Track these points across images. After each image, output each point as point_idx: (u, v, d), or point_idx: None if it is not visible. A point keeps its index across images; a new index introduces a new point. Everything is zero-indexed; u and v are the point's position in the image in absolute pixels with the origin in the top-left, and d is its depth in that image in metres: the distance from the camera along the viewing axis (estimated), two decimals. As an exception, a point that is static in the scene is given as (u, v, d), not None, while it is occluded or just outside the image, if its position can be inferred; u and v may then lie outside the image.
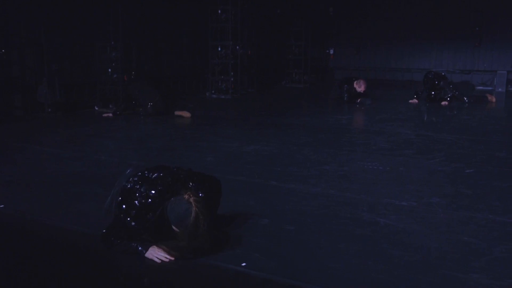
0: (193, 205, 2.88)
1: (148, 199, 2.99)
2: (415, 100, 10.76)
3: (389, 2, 15.22)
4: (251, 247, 3.06)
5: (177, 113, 8.58)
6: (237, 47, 12.19)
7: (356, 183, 4.54)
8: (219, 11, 11.87)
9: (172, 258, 2.88)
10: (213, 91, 12.26)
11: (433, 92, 10.69)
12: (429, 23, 14.76)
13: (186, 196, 2.93)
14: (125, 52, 9.94)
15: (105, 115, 8.51)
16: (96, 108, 9.27)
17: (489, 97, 10.97)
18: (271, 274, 2.74)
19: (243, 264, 2.84)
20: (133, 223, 2.98)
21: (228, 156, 5.59)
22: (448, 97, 10.50)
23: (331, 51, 16.74)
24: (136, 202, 3.00)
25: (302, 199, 4.05)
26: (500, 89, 13.87)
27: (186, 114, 8.54)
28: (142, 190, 3.03)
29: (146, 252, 2.91)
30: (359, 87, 10.34)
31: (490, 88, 14.26)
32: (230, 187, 4.31)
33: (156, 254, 2.89)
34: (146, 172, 3.17)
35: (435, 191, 4.27)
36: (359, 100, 10.29)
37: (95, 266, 2.93)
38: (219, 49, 12.13)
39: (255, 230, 3.35)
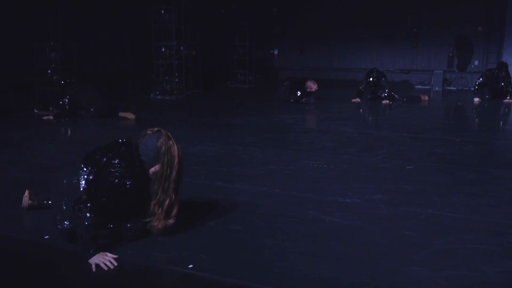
0: (161, 129, 3.05)
1: (120, 177, 2.96)
2: (357, 99, 11.02)
3: (331, 3, 15.52)
4: (197, 249, 3.04)
5: (121, 114, 8.42)
6: (181, 48, 12.10)
7: (302, 182, 4.60)
8: (162, 11, 11.74)
9: (116, 264, 2.82)
10: (157, 92, 12.13)
11: (375, 89, 10.98)
12: (370, 24, 15.18)
13: (149, 132, 3.04)
14: (65, 52, 9.67)
15: (45, 117, 8.24)
16: (36, 111, 8.97)
17: (422, 97, 11.41)
18: (218, 275, 2.73)
19: (190, 266, 2.82)
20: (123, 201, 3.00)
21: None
22: (385, 95, 10.85)
23: (275, 52, 16.92)
24: (111, 181, 2.95)
25: (248, 199, 4.06)
26: (437, 88, 14.41)
27: (130, 115, 8.40)
28: (111, 172, 2.96)
29: (93, 256, 2.82)
30: (311, 89, 10.49)
31: (428, 87, 14.81)
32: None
33: (100, 259, 2.81)
34: (85, 167, 3.05)
35: (377, 187, 4.38)
36: (303, 99, 10.43)
37: (36, 274, 2.83)
38: (163, 49, 12.00)
39: (201, 232, 3.33)
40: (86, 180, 2.98)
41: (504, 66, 11.40)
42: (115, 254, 2.89)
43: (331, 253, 3.01)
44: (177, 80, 11.98)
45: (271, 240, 3.21)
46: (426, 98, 11.44)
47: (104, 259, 2.81)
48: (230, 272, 2.76)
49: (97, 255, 2.83)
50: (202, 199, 4.02)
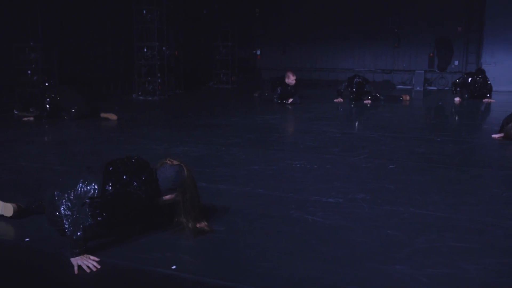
0: (181, 163, 3.22)
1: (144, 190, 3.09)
2: (340, 99, 11.08)
3: (313, 3, 15.58)
4: (180, 250, 3.03)
5: (102, 115, 8.36)
6: (164, 48, 12.05)
7: (284, 182, 4.60)
8: (144, 11, 11.68)
9: (99, 267, 2.81)
10: (139, 93, 12.06)
11: (357, 95, 11.05)
12: (352, 24, 15.29)
13: (169, 162, 3.21)
14: (46, 53, 9.57)
15: (25, 119, 8.15)
16: (16, 112, 8.86)
17: (404, 97, 11.54)
18: (201, 276, 2.72)
19: (173, 267, 2.81)
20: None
21: (156, 159, 5.49)
22: (370, 96, 10.95)
23: (258, 52, 16.94)
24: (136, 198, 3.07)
25: (231, 199, 4.06)
26: (418, 88, 14.56)
27: (112, 116, 8.34)
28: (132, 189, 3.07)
29: (75, 257, 2.82)
30: (288, 78, 10.50)
31: (409, 87, 14.95)
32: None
33: (83, 261, 2.80)
34: (107, 179, 3.06)
35: (360, 187, 4.40)
36: (290, 100, 10.44)
37: (17, 276, 2.80)
38: (145, 50, 11.94)
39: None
40: (103, 190, 3.02)
41: (482, 72, 11.64)
42: (98, 255, 2.87)
43: (314, 252, 3.03)
44: (159, 80, 11.92)
45: (254, 240, 3.22)
46: (408, 98, 11.56)
47: (88, 262, 2.81)
48: (213, 272, 2.76)
49: (80, 256, 2.83)
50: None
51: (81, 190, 3.02)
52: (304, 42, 16.09)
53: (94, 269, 2.78)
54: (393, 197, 4.13)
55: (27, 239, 3.17)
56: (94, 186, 3.02)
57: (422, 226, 3.46)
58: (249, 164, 5.25)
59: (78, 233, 2.87)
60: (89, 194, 3.00)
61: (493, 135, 6.79)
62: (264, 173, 4.90)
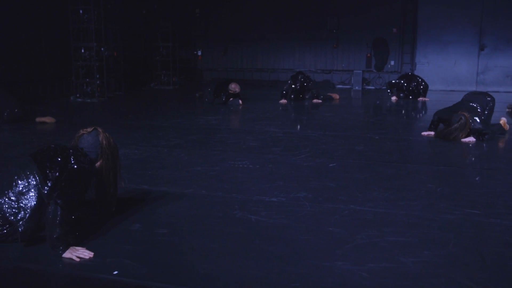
0: (96, 128, 3.34)
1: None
2: (284, 101, 11.16)
3: (254, 4, 15.67)
4: (122, 254, 2.97)
5: (38, 119, 8.05)
6: (102, 49, 11.78)
7: (227, 182, 4.61)
8: (81, 11, 11.37)
9: (91, 255, 2.90)
10: (78, 95, 11.74)
11: (299, 93, 11.22)
12: (292, 25, 15.50)
13: (84, 132, 3.31)
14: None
15: (-47, 123, 7.76)
16: None
17: (333, 95, 11.85)
18: (144, 280, 2.68)
19: (115, 272, 2.75)
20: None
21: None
22: (313, 94, 11.17)
23: (199, 52, 16.86)
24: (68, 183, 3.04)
25: (174, 201, 4.02)
26: (357, 87, 14.93)
27: (50, 119, 8.06)
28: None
29: (64, 252, 2.89)
30: (234, 91, 10.50)
31: (348, 86, 15.32)
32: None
33: (73, 253, 2.88)
34: (44, 167, 3.07)
35: (302, 185, 4.47)
36: (230, 100, 10.45)
37: None
38: (83, 50, 11.63)
39: (126, 237, 3.26)
40: (48, 177, 3.04)
41: (414, 78, 12.10)
42: (37, 263, 2.78)
43: (258, 252, 3.04)
44: (98, 82, 11.65)
45: (198, 241, 3.20)
46: (337, 97, 11.89)
47: (77, 253, 2.89)
48: (156, 276, 2.72)
49: (68, 250, 2.89)
50: (127, 204, 3.93)
51: (21, 186, 3.02)
52: (245, 42, 16.17)
53: (87, 257, 2.88)
54: (334, 194, 4.22)
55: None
56: (35, 177, 3.04)
57: (362, 222, 3.55)
58: (191, 166, 5.22)
59: (57, 231, 2.89)
60: (32, 187, 3.01)
61: (423, 133, 7.06)
62: (207, 174, 4.88)
